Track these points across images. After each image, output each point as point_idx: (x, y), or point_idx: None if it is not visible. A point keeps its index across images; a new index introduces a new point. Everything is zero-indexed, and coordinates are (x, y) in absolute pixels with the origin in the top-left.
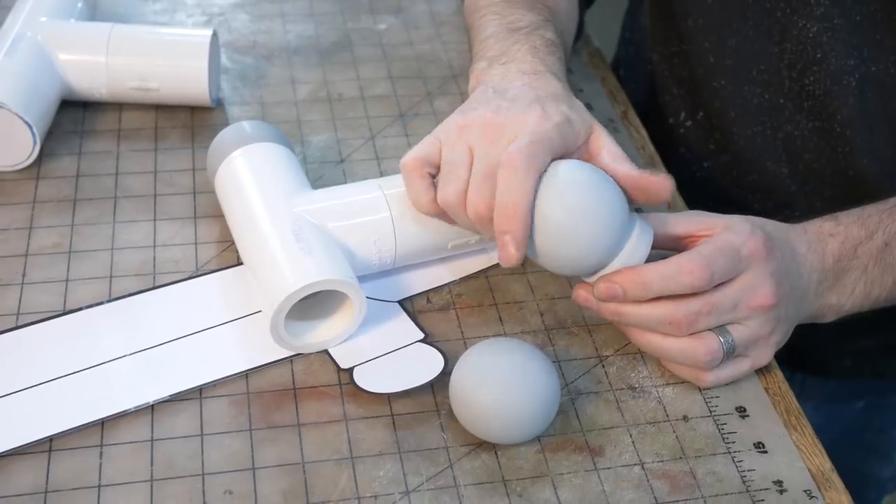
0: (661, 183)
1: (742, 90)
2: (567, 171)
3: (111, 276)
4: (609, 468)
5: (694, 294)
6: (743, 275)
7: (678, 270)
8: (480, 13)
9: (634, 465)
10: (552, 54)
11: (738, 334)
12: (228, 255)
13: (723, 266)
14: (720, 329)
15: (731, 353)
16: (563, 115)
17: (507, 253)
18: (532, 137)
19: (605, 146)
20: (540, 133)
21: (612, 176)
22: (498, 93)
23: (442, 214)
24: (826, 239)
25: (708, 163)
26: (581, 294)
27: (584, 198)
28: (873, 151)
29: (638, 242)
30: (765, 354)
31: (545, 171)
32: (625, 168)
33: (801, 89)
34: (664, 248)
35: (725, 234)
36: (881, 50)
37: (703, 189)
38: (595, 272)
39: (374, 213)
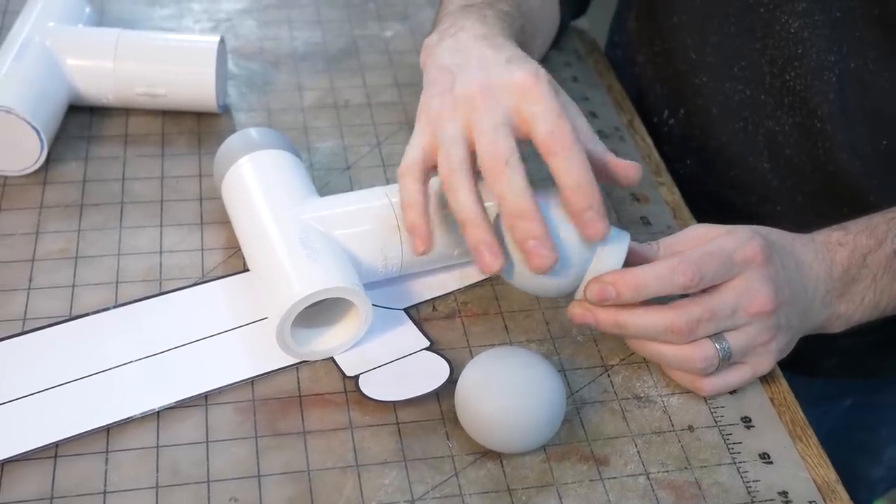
0: (630, 167)
1: (723, 87)
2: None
3: (117, 282)
4: (614, 478)
5: (692, 302)
6: (738, 278)
7: (671, 272)
8: None
9: (640, 474)
10: (502, 21)
11: (734, 340)
12: (234, 262)
13: (713, 269)
14: (716, 336)
15: (727, 360)
16: (544, 72)
17: (595, 228)
18: (555, 110)
19: (577, 124)
20: (553, 101)
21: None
22: (461, 67)
23: (420, 225)
24: (835, 248)
25: (690, 159)
26: (577, 312)
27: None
28: (853, 147)
29: (609, 250)
30: (765, 362)
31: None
32: (597, 149)
33: (781, 85)
34: None
35: (720, 239)
36: (860, 46)
37: (686, 186)
38: (574, 287)
39: (381, 221)
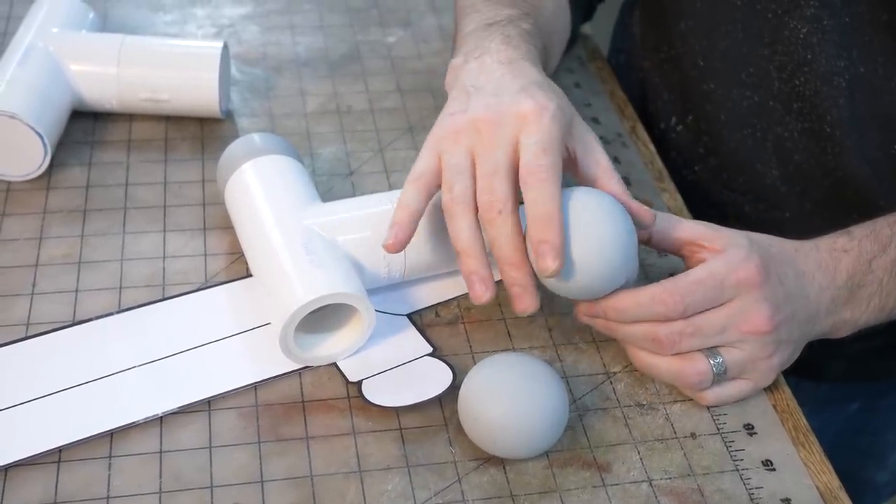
0: (647, 215)
1: (731, 93)
2: (608, 204)
3: (121, 287)
4: (617, 484)
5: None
6: (732, 301)
7: (652, 300)
8: (465, 11)
9: (642, 481)
10: (527, 42)
11: (730, 357)
12: (238, 267)
13: (700, 298)
14: (710, 351)
15: (722, 375)
16: (554, 103)
17: (546, 263)
18: (542, 144)
19: (596, 158)
20: (546, 134)
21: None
22: (478, 89)
23: (405, 225)
24: (839, 255)
25: (698, 166)
26: (580, 312)
27: (624, 230)
28: (862, 152)
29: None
30: (767, 376)
31: (585, 203)
32: (617, 189)
33: (791, 91)
34: (669, 250)
35: (715, 262)
36: (869, 51)
37: (693, 192)
38: (600, 291)
39: (384, 227)
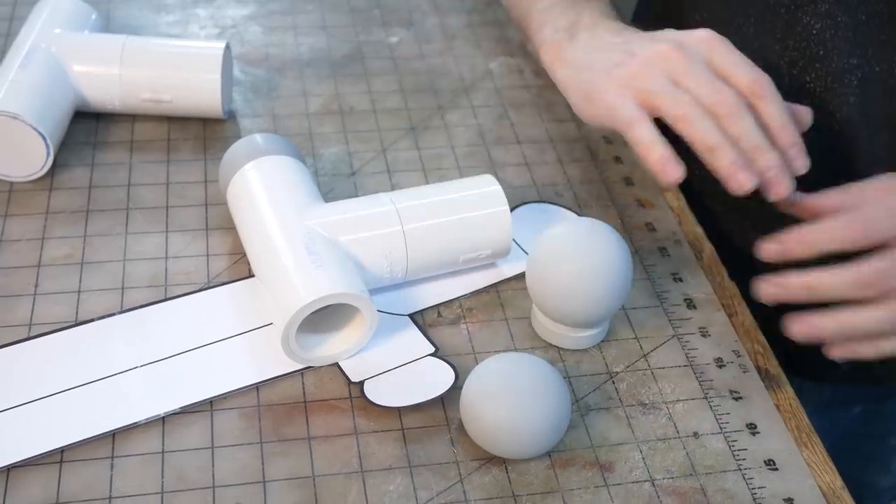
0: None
1: None
2: (606, 234)
3: (123, 288)
4: (619, 484)
5: (874, 255)
6: None
7: (834, 224)
8: None
9: (645, 481)
10: (612, 9)
11: None
12: (240, 268)
13: (883, 223)
14: None
15: None
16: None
17: (801, 162)
18: (744, 60)
19: None
20: (738, 53)
21: None
22: (627, 43)
23: (668, 154)
24: None
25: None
26: (766, 288)
27: (624, 259)
28: (872, 153)
29: None
30: None
31: (586, 233)
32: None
33: (800, 87)
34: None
35: (889, 196)
36: (885, 50)
37: (701, 188)
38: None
39: (386, 227)
